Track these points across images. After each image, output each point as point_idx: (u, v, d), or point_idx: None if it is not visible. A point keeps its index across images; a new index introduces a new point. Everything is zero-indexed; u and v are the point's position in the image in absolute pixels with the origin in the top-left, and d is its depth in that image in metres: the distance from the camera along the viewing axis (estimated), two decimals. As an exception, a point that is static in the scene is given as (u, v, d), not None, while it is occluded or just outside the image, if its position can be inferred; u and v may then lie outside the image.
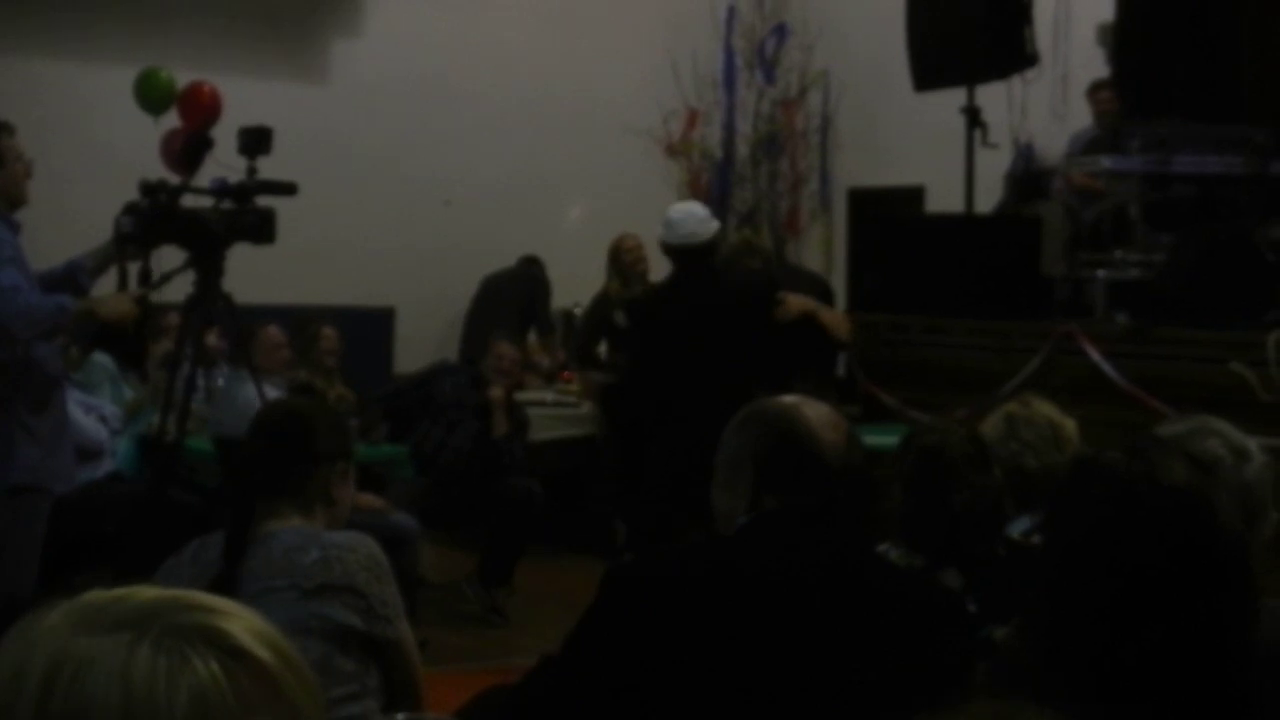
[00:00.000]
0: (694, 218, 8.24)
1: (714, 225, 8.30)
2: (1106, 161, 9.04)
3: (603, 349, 10.30)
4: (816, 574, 2.94)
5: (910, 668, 2.84)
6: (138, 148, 9.73)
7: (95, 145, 10.56)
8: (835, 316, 8.56)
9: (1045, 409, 4.33)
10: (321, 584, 3.52)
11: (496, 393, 8.43)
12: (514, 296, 11.44)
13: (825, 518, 3.01)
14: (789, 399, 3.22)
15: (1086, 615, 1.98)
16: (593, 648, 2.98)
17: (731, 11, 13.01)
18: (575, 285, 11.57)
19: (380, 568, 3.61)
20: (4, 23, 10.94)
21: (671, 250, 8.22)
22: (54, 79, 10.84)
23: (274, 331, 8.23)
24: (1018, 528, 3.88)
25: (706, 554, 3.18)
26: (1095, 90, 10.43)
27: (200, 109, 9.68)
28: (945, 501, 3.75)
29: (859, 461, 3.11)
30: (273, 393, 6.82)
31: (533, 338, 11.36)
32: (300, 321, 8.66)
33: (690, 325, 7.96)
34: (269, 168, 6.37)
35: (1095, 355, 7.86)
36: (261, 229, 6.18)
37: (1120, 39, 9.62)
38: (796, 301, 8.34)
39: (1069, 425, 4.29)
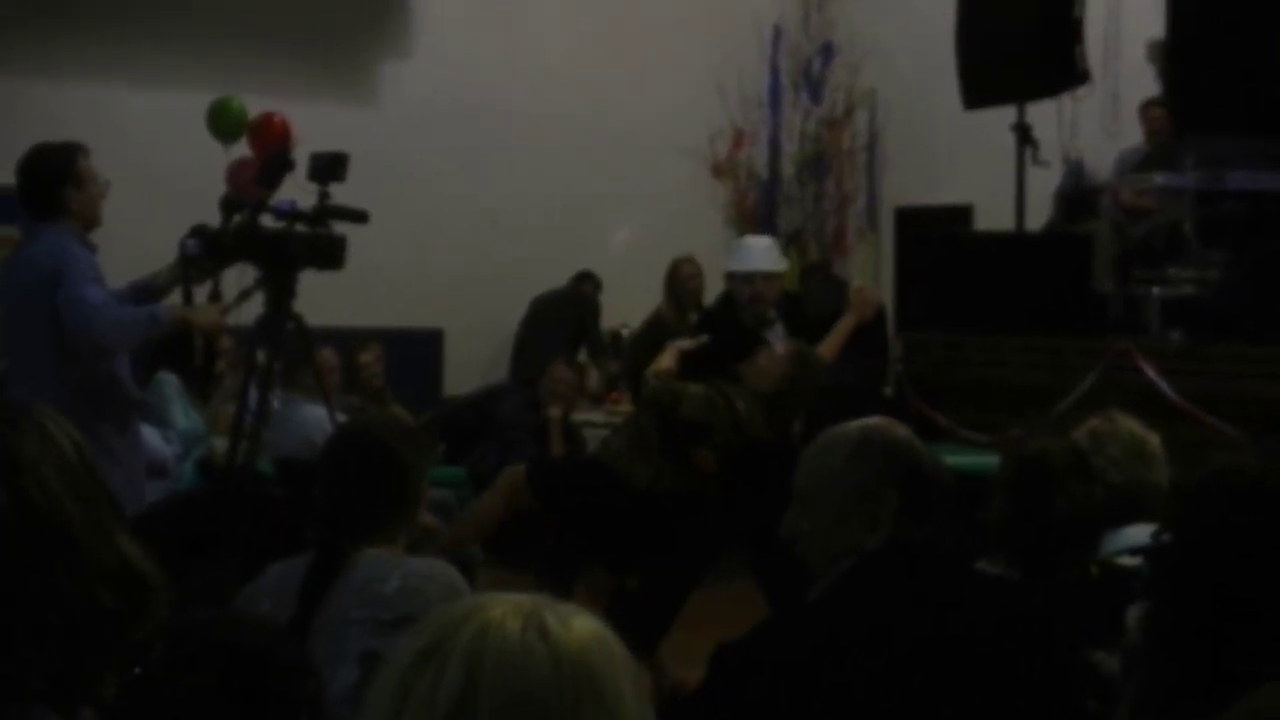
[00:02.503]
0: (764, 243, 8.07)
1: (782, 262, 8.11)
2: (1159, 179, 9.02)
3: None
4: (934, 619, 2.88)
5: (1014, 683, 2.82)
6: (193, 173, 9.80)
7: (149, 169, 10.61)
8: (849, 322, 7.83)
9: (1129, 424, 4.30)
10: (401, 616, 3.44)
11: (554, 413, 8.45)
12: (564, 316, 11.45)
13: (939, 548, 2.97)
14: (896, 425, 3.12)
15: (1208, 620, 1.98)
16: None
17: (778, 31, 13.02)
18: (622, 305, 11.59)
19: (462, 592, 3.57)
20: (60, 49, 11.03)
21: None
22: (108, 103, 10.91)
23: (327, 354, 8.26)
24: (1108, 547, 3.87)
25: (818, 621, 3.02)
26: (1147, 108, 10.40)
27: (272, 138, 9.73)
28: (1047, 510, 3.74)
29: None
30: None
31: (583, 357, 11.37)
32: (342, 347, 8.71)
33: None
34: (304, 189, 6.39)
35: (1151, 373, 7.84)
36: (332, 255, 6.19)
37: (1171, 56, 9.60)
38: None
39: (1153, 440, 4.26)
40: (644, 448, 6.95)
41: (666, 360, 7.04)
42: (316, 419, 6.92)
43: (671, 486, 6.96)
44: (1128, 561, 3.74)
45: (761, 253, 7.85)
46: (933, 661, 2.82)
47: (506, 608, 1.65)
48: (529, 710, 1.58)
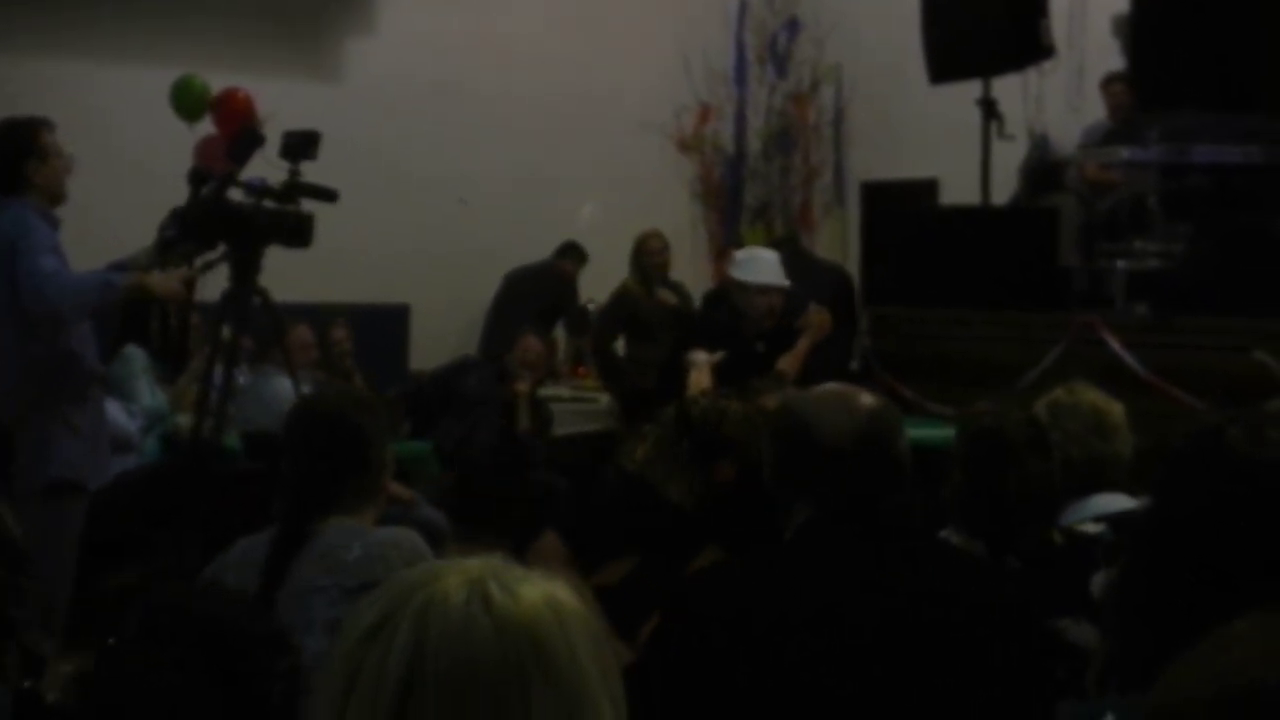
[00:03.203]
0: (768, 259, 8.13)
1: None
2: (1124, 152, 9.04)
3: (620, 345, 10.28)
4: (892, 584, 2.89)
5: (990, 670, 2.82)
6: (160, 149, 9.76)
7: (113, 147, 10.56)
8: (816, 330, 7.99)
9: (1090, 396, 4.32)
10: (364, 583, 3.46)
11: (522, 387, 8.45)
12: (540, 291, 11.42)
13: (899, 517, 2.97)
14: (863, 394, 3.10)
15: (1185, 589, 1.98)
16: (668, 673, 2.86)
17: (743, 6, 13.03)
18: (589, 281, 11.60)
19: (425, 559, 3.60)
20: (22, 24, 10.96)
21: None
22: (71, 79, 10.84)
23: (304, 330, 8.27)
24: (1072, 516, 3.88)
25: (774, 572, 3.02)
26: (1108, 83, 10.43)
27: (235, 113, 9.69)
28: (1003, 485, 3.74)
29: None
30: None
31: (559, 333, 11.36)
32: (312, 323, 8.70)
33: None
34: (273, 165, 6.36)
35: (1116, 346, 7.86)
36: (300, 232, 6.20)
37: (1136, 30, 9.60)
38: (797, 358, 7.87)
39: (1115, 411, 4.28)
40: (674, 460, 6.97)
41: (704, 379, 7.12)
42: (287, 392, 6.93)
43: (698, 497, 6.98)
44: (1090, 528, 3.76)
45: (775, 266, 7.99)
46: (894, 630, 2.83)
47: (454, 578, 1.65)
48: (474, 680, 1.58)
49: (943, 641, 2.83)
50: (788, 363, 7.57)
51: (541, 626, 1.62)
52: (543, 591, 1.66)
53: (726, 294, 8.40)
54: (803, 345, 7.73)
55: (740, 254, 8.38)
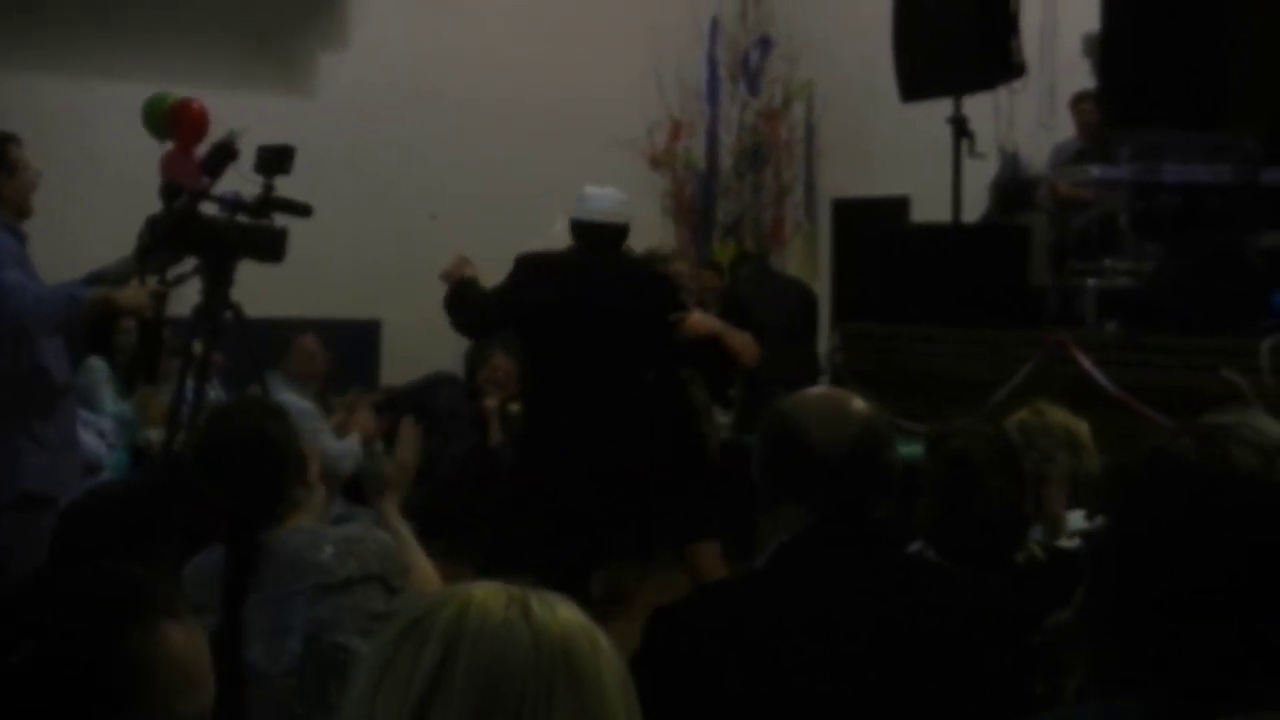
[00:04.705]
0: (615, 197, 7.33)
1: (630, 214, 7.42)
2: (1095, 171, 9.06)
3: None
4: (886, 591, 2.88)
5: (984, 678, 2.83)
6: (135, 163, 9.72)
7: (92, 161, 10.54)
8: (743, 341, 7.37)
9: (1057, 415, 4.33)
10: (349, 576, 3.55)
11: (491, 402, 8.46)
12: None
13: (890, 524, 2.97)
14: (855, 399, 3.05)
15: (1153, 601, 1.99)
16: (659, 684, 2.77)
17: (715, 23, 13.05)
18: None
19: (392, 552, 3.68)
20: (0, 39, 10.95)
21: (583, 227, 7.26)
22: (47, 93, 10.83)
23: (309, 340, 8.24)
24: (1039, 533, 3.89)
25: (766, 580, 3.00)
26: (1077, 102, 10.47)
27: (192, 125, 9.65)
28: (970, 507, 3.73)
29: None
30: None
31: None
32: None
33: (584, 302, 7.09)
34: (247, 179, 6.36)
35: (1086, 364, 7.88)
36: (272, 247, 6.21)
37: (1106, 49, 9.63)
38: (702, 322, 7.31)
39: (1082, 429, 4.29)
40: None
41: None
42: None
43: None
44: (1067, 544, 3.77)
45: (615, 202, 7.36)
46: (889, 637, 2.83)
47: (491, 590, 1.68)
48: (505, 687, 1.59)
49: (937, 649, 2.83)
50: (701, 321, 7.15)
51: (576, 644, 1.64)
52: (579, 616, 1.69)
53: None
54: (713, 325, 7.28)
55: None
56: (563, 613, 1.67)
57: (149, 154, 9.87)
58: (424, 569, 3.94)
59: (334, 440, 7.85)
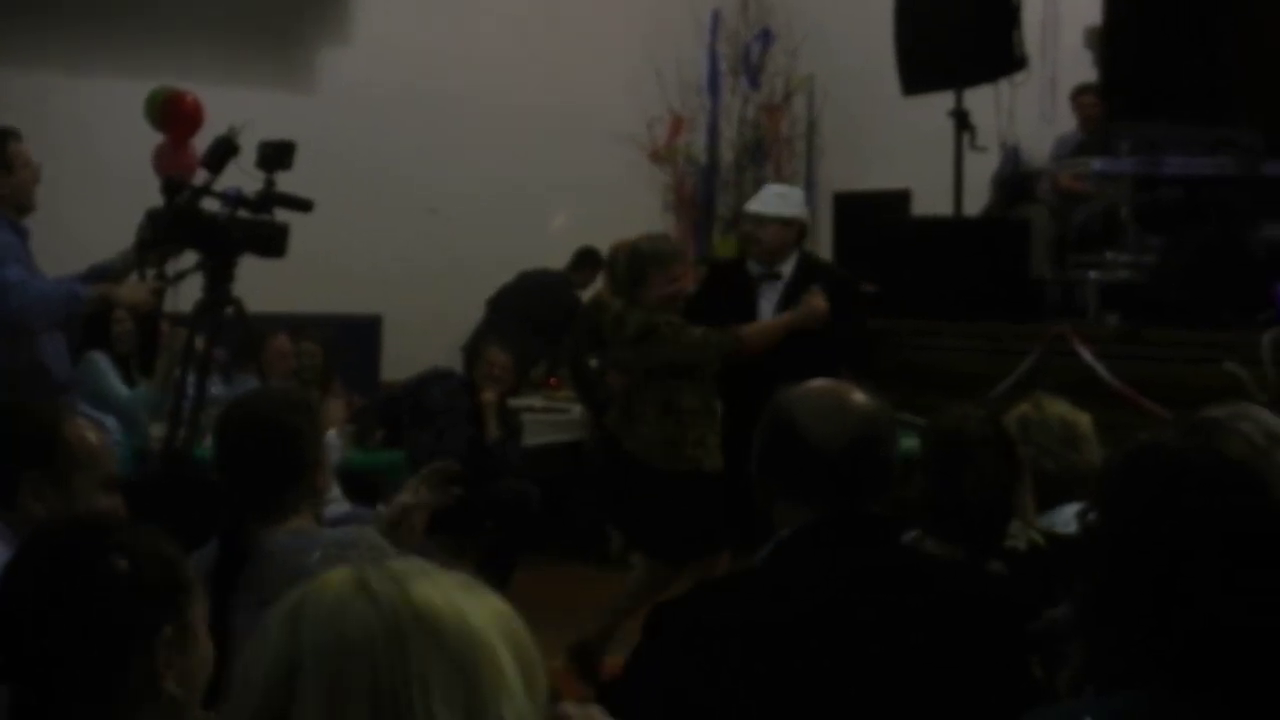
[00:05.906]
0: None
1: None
2: (1096, 164, 9.05)
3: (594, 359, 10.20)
4: (888, 585, 2.87)
5: (991, 671, 2.81)
6: (136, 159, 9.75)
7: (93, 156, 10.54)
8: (803, 315, 7.23)
9: (1057, 408, 4.32)
10: None
11: (487, 396, 8.43)
12: (547, 301, 11.23)
13: (889, 518, 2.95)
14: (856, 392, 3.01)
15: (1144, 592, 2.00)
16: (661, 683, 2.80)
17: (715, 17, 13.02)
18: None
19: (385, 556, 3.62)
20: (1, 36, 10.92)
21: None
22: (49, 89, 10.82)
23: (282, 340, 8.25)
24: (1046, 522, 3.87)
25: (766, 576, 2.97)
26: (1079, 94, 10.46)
27: (184, 118, 9.67)
28: (960, 484, 3.70)
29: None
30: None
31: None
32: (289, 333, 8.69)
33: None
34: (248, 174, 6.35)
35: (1088, 356, 7.88)
36: (273, 242, 6.20)
37: (1108, 42, 9.63)
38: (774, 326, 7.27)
39: (1083, 421, 4.28)
40: None
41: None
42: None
43: None
44: (1064, 531, 3.76)
45: (766, 196, 7.60)
46: (892, 631, 2.81)
47: (338, 575, 1.68)
48: (354, 660, 1.59)
49: (937, 643, 2.81)
50: (757, 331, 7.07)
51: (431, 607, 1.62)
52: (444, 584, 1.66)
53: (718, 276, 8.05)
54: (775, 321, 7.20)
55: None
56: (421, 587, 1.64)
57: (151, 149, 9.91)
58: None
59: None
